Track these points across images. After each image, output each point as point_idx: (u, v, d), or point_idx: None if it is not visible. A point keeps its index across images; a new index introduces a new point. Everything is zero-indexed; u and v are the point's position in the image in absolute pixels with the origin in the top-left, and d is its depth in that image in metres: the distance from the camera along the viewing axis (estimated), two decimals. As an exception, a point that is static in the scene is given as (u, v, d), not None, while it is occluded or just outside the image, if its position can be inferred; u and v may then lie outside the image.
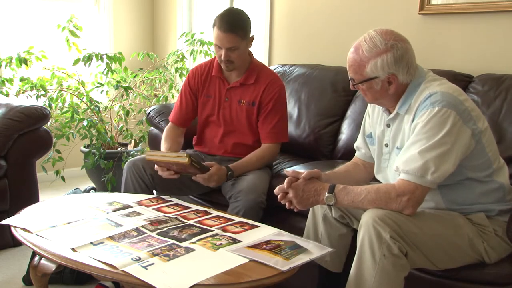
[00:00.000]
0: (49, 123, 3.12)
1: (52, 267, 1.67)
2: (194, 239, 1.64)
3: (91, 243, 1.59)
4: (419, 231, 1.52)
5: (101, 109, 3.54)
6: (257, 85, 2.36)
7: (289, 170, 1.77)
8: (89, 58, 3.43)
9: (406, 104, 1.66)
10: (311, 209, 1.91)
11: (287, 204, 1.72)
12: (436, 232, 1.56)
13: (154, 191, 2.33)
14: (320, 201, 1.65)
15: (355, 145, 2.00)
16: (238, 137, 2.40)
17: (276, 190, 1.73)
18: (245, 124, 2.38)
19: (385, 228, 1.48)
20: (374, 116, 1.85)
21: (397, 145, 1.70)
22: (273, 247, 1.59)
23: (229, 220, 1.86)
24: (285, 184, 1.70)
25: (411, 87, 1.66)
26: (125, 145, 3.75)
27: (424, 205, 1.65)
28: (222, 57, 2.26)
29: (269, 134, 2.35)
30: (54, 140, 3.06)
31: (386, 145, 1.76)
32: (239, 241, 1.64)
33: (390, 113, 1.73)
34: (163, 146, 2.40)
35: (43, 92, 3.38)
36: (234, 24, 2.23)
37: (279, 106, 2.37)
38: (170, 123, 2.51)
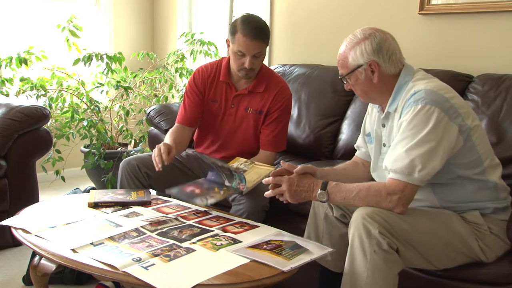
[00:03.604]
0: (49, 123, 3.12)
1: (52, 267, 1.68)
2: (194, 240, 1.64)
3: (91, 243, 1.59)
4: (410, 228, 1.53)
5: (101, 109, 3.54)
6: (266, 94, 2.32)
7: (285, 162, 1.79)
8: (89, 58, 3.43)
9: (395, 103, 1.68)
10: (311, 208, 1.91)
11: (278, 195, 1.72)
12: (428, 229, 1.57)
13: (154, 191, 2.33)
14: (312, 197, 1.66)
15: (355, 145, 2.02)
16: (240, 144, 2.37)
17: (265, 180, 1.74)
18: (251, 132, 2.35)
19: (373, 224, 1.49)
20: (372, 115, 1.86)
21: (391, 144, 1.71)
22: (274, 247, 1.59)
23: (229, 220, 1.86)
24: (271, 174, 1.73)
25: (399, 85, 1.68)
26: (125, 145, 3.75)
27: (419, 204, 1.66)
28: (247, 65, 2.19)
29: (270, 142, 2.33)
30: (54, 140, 3.06)
31: (384, 145, 1.77)
32: (240, 241, 1.64)
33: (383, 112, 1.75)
34: (168, 139, 2.29)
35: (43, 92, 3.38)
36: (261, 30, 2.19)
37: (284, 115, 2.36)
38: (175, 124, 2.42)
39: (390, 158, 1.59)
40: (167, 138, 2.31)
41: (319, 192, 1.63)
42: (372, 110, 1.87)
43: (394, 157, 1.56)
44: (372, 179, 1.88)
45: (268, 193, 1.73)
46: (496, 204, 1.66)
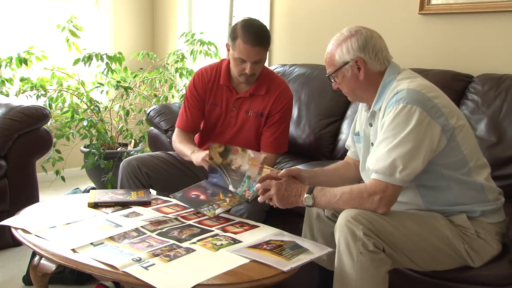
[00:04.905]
0: (49, 123, 3.12)
1: (52, 267, 1.68)
2: (194, 240, 1.64)
3: (91, 243, 1.59)
4: (395, 230, 1.53)
5: (101, 109, 3.54)
6: (267, 96, 2.30)
7: (274, 169, 1.80)
8: (89, 58, 3.43)
9: (380, 102, 1.68)
10: (306, 208, 1.91)
11: (267, 200, 1.73)
12: (413, 231, 1.56)
13: (154, 191, 2.33)
14: (299, 202, 1.67)
15: (346, 144, 2.02)
16: (242, 147, 2.36)
17: (256, 187, 1.75)
18: (252, 135, 2.34)
19: (358, 226, 1.49)
20: (362, 114, 1.86)
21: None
22: (274, 247, 1.59)
23: (229, 220, 1.86)
24: (258, 181, 1.75)
25: (384, 84, 1.68)
26: (125, 145, 3.76)
27: (405, 207, 1.66)
28: (247, 71, 2.17)
29: (271, 144, 2.32)
30: (54, 140, 3.06)
31: (372, 144, 1.76)
32: (240, 241, 1.64)
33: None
34: (185, 148, 2.26)
35: (43, 92, 3.38)
36: (262, 36, 2.15)
37: (285, 117, 2.34)
38: (177, 129, 2.40)
39: (373, 158, 1.59)
40: (186, 146, 2.27)
41: (305, 196, 1.64)
42: (361, 109, 1.87)
43: (376, 157, 1.56)
44: (362, 179, 1.88)
45: (259, 199, 1.74)
46: (484, 207, 1.62)
